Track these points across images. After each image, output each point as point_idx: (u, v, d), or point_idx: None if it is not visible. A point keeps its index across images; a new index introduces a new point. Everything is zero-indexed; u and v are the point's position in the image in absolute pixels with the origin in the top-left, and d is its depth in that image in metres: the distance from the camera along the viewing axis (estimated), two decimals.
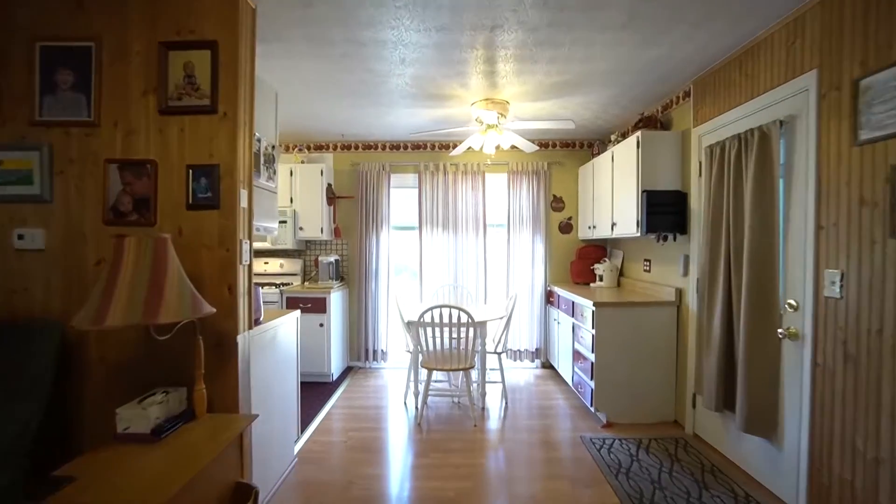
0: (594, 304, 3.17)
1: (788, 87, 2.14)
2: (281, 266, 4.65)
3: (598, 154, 4.23)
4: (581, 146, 4.70)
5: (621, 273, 4.28)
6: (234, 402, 1.92)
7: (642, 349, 3.20)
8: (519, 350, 4.69)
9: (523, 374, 4.54)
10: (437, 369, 3.24)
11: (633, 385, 3.20)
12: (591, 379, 3.23)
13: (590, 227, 4.26)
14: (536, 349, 4.67)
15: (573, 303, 3.69)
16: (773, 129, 2.19)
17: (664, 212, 3.10)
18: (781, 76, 2.19)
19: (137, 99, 1.91)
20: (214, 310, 1.70)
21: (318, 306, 4.12)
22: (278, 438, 2.45)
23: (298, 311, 2.82)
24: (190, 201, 1.91)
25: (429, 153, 4.73)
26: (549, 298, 4.57)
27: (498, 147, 3.74)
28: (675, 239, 3.16)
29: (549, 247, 4.69)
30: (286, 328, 2.59)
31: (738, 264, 2.42)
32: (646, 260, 3.76)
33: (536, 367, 4.70)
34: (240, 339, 1.94)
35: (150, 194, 1.90)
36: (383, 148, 4.74)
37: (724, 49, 2.54)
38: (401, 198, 4.86)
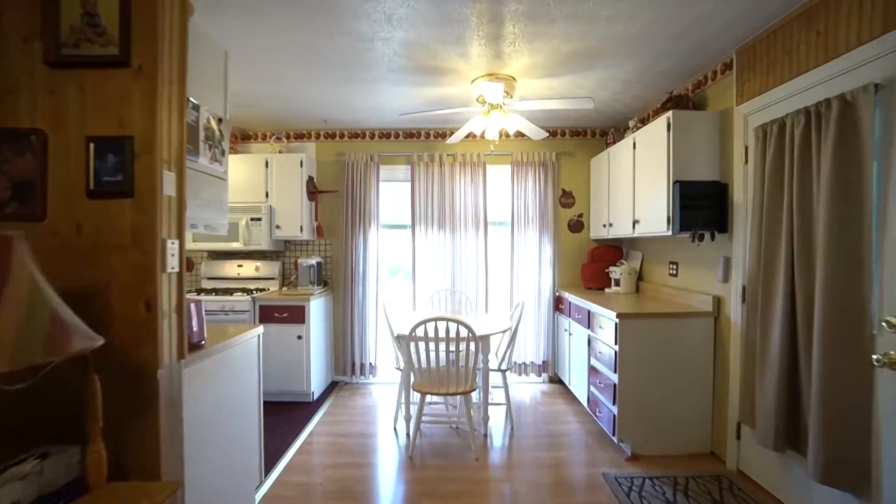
0: (617, 316, 2.68)
1: (884, 41, 1.66)
2: (256, 269, 4.13)
3: (614, 143, 3.74)
4: (593, 135, 4.21)
5: (640, 277, 3.79)
6: (155, 460, 1.41)
7: (673, 368, 2.72)
8: (524, 363, 4.19)
9: (529, 390, 4.04)
10: (433, 393, 2.74)
11: (662, 410, 2.71)
12: (614, 403, 2.74)
13: (605, 226, 3.78)
14: (543, 362, 4.18)
15: (589, 312, 3.20)
16: (861, 97, 1.71)
17: (700, 206, 2.61)
18: (876, 27, 1.70)
19: (16, 46, 1.39)
20: (99, 341, 1.18)
21: (295, 316, 3.60)
22: (230, 491, 1.93)
23: (261, 328, 2.31)
24: (91, 186, 1.39)
25: (422, 142, 4.22)
26: (558, 305, 4.08)
27: (502, 134, 3.24)
28: (712, 238, 2.67)
29: (558, 247, 4.20)
30: (243, 350, 2.08)
31: (807, 270, 1.94)
32: (672, 263, 3.27)
33: (543, 382, 4.21)
34: (162, 373, 1.43)
35: (36, 177, 1.39)
36: (371, 136, 4.23)
37: (787, 2, 2.06)
38: (391, 192, 4.35)
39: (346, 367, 4.18)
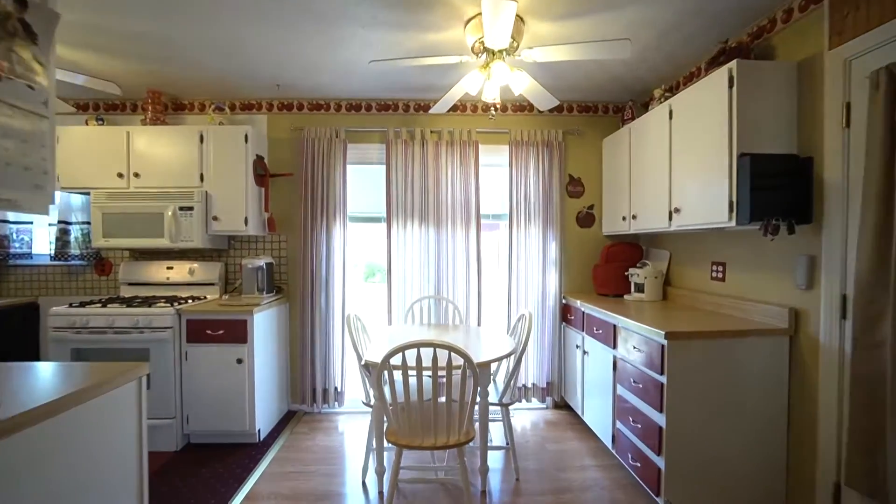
0: (667, 335, 1.97)
1: None
2: (191, 272, 3.27)
3: (632, 119, 3.06)
4: (606, 111, 3.52)
5: (667, 281, 3.11)
6: None
7: (735, 403, 2.03)
8: (524, 385, 3.47)
9: (531, 418, 3.32)
10: (413, 447, 1.96)
11: (721, 460, 2.02)
12: (659, 452, 2.03)
13: (624, 219, 3.08)
14: (548, 384, 3.46)
15: (615, 327, 2.49)
16: None
17: (778, 186, 1.93)
18: None
19: None
20: None
21: (234, 333, 2.77)
22: None
23: (143, 369, 1.48)
24: None
25: (400, 115, 3.45)
26: (566, 316, 3.37)
27: (498, 108, 2.48)
28: (790, 231, 1.99)
29: (565, 245, 3.49)
30: (105, 408, 1.27)
31: None
32: (716, 264, 2.60)
33: (547, 408, 3.49)
34: None
35: None
36: (337, 107, 3.43)
37: None
38: (362, 177, 3.56)
39: (306, 393, 3.37)
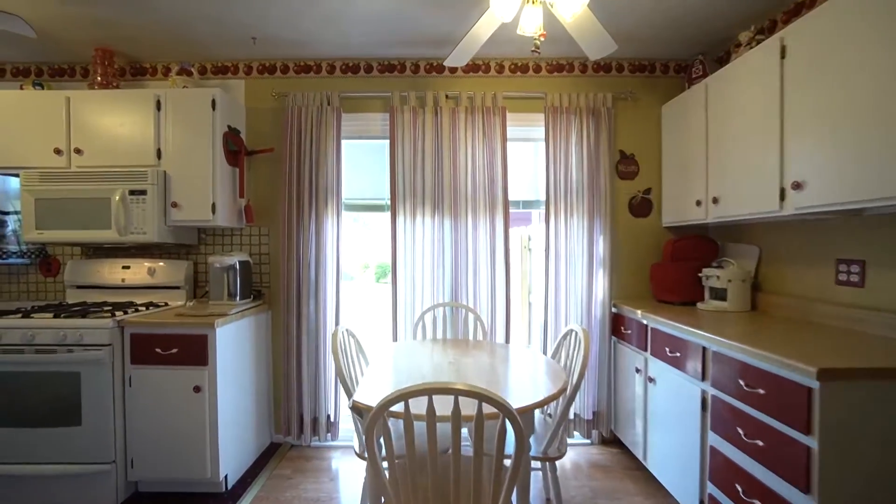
0: (819, 375, 1.25)
1: None
2: (151, 273, 2.65)
3: (703, 77, 2.35)
4: (665, 70, 2.79)
5: (756, 286, 2.37)
6: None
7: None
8: None
9: (573, 456, 2.60)
10: None
11: None
12: None
13: (699, 203, 2.35)
14: (594, 414, 2.74)
15: (706, 351, 1.78)
16: None
17: None
18: None
19: None
20: None
21: (191, 353, 2.13)
22: None
23: None
24: None
25: (407, 77, 2.77)
26: (618, 328, 2.65)
27: (542, 39, 1.76)
28: None
29: (615, 239, 2.77)
30: None
31: None
32: (847, 262, 1.85)
33: (593, 444, 2.77)
34: None
35: None
36: (330, 69, 2.77)
37: None
38: (360, 154, 2.90)
39: (291, 423, 2.71)
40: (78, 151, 2.42)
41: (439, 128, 2.67)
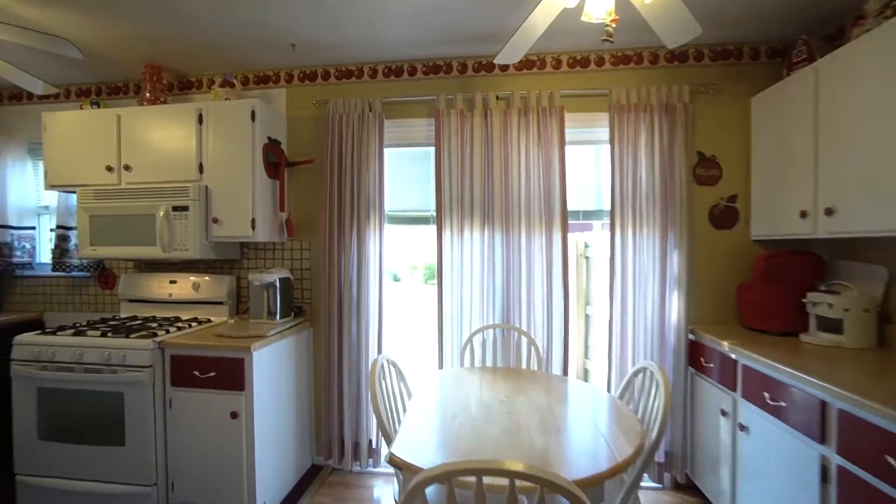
0: None
1: None
2: (196, 288, 2.63)
3: (807, 62, 1.93)
4: (755, 56, 2.37)
5: (883, 316, 1.92)
6: None
7: None
8: None
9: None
10: None
11: None
12: None
13: (804, 215, 1.94)
14: (666, 454, 2.38)
15: (826, 407, 1.41)
16: None
17: None
18: None
19: None
20: None
21: (228, 376, 2.04)
22: None
23: None
24: None
25: (454, 78, 2.55)
26: (697, 359, 2.28)
27: (615, 23, 1.46)
28: None
29: (692, 254, 2.39)
30: None
31: None
32: None
33: (664, 489, 2.41)
34: None
35: None
36: (372, 73, 2.61)
37: None
38: (403, 163, 2.73)
39: (332, 445, 2.59)
40: (127, 168, 2.42)
41: (489, 132, 2.43)
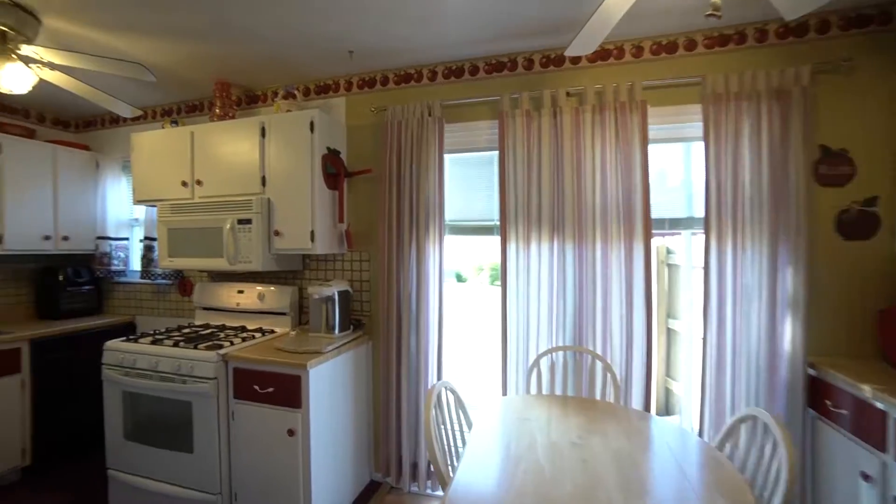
0: None
1: None
2: (261, 298, 2.68)
3: None
4: None
5: None
6: None
7: None
8: None
9: None
10: None
11: None
12: None
13: None
14: None
15: None
16: None
17: None
18: None
19: None
20: None
21: (285, 393, 2.02)
22: None
23: None
24: None
25: (519, 76, 2.34)
26: (821, 401, 1.86)
27: (716, 2, 1.17)
28: None
29: (812, 269, 1.96)
30: None
31: None
32: None
33: None
34: None
35: None
36: (431, 76, 2.48)
37: None
38: (464, 169, 2.57)
39: (390, 463, 2.50)
40: (199, 183, 2.52)
41: (559, 132, 2.18)
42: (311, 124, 2.29)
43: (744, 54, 2.04)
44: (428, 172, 2.38)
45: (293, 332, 2.53)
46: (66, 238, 3.03)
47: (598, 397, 2.09)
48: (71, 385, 2.82)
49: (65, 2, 1.84)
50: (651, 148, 2.08)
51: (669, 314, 2.75)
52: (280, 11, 1.91)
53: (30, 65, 1.97)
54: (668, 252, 2.78)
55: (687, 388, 2.36)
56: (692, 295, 2.35)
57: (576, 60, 2.23)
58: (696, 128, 2.08)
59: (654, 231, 2.11)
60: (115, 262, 3.20)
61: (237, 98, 2.80)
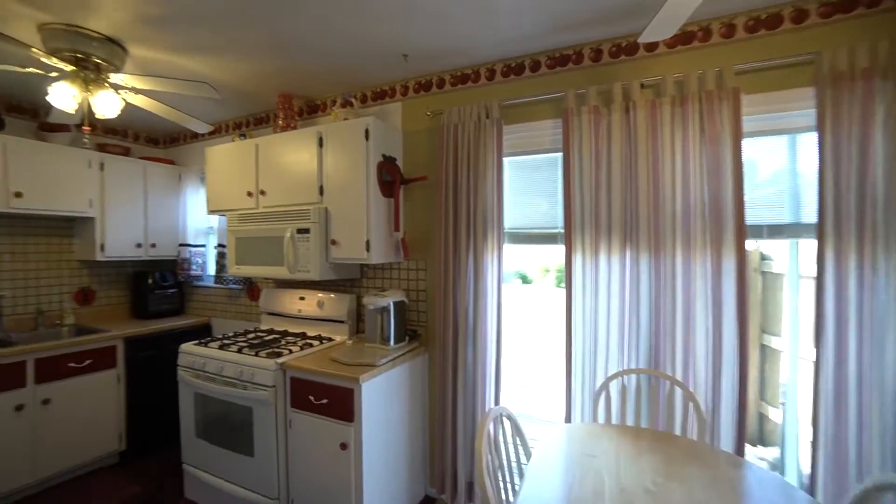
0: None
1: None
2: (320, 305, 2.71)
3: None
4: None
5: None
6: None
7: None
8: None
9: None
10: None
11: None
12: None
13: None
14: None
15: None
16: None
17: None
18: None
19: None
20: None
21: (339, 406, 1.99)
22: None
23: None
24: None
25: (586, 68, 2.13)
26: None
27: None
28: None
29: None
30: None
31: None
32: None
33: None
34: None
35: None
36: (489, 75, 2.34)
37: None
38: (525, 174, 2.39)
39: (445, 479, 2.40)
40: (263, 193, 2.60)
41: (632, 130, 1.94)
42: (366, 132, 2.26)
43: (875, 21, 1.66)
44: (486, 177, 2.25)
45: (349, 342, 2.52)
46: (153, 245, 3.31)
47: (677, 431, 1.83)
48: (157, 380, 3.06)
49: (143, 30, 1.96)
50: (746, 143, 1.77)
51: (763, 328, 2.36)
52: (333, 20, 1.88)
53: (118, 91, 2.14)
54: (763, 258, 2.39)
55: (791, 418, 1.99)
56: (795, 309, 1.98)
57: (652, 47, 1.98)
58: (805, 116, 1.74)
59: (750, 239, 1.80)
60: (194, 267, 3.44)
61: (299, 109, 2.87)
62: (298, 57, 2.24)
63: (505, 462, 1.56)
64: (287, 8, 1.79)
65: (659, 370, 1.90)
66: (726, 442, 1.80)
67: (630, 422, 1.92)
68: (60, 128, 2.84)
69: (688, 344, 1.87)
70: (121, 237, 3.13)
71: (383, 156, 2.36)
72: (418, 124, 2.52)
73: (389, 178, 2.38)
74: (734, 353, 1.80)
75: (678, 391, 1.85)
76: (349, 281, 2.77)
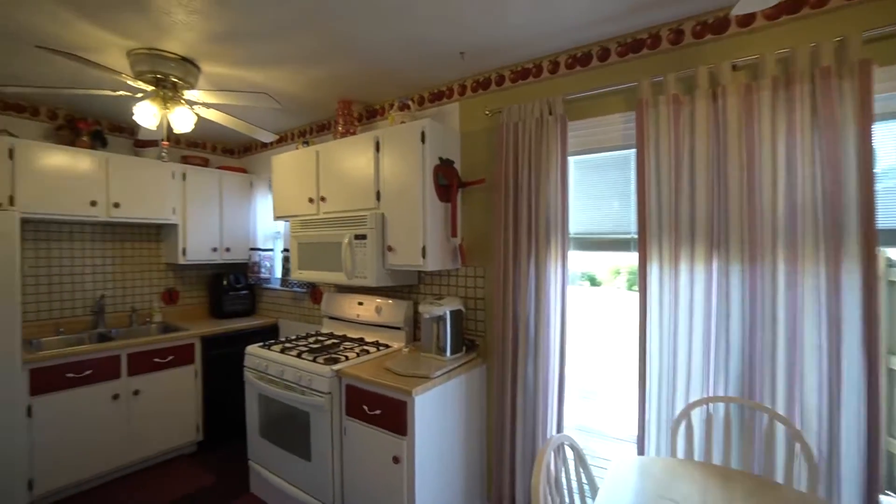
0: None
1: None
2: (378, 311, 2.69)
3: None
4: None
5: None
6: None
7: None
8: None
9: None
10: None
11: None
12: None
13: None
14: None
15: None
16: None
17: None
18: None
19: None
20: None
21: (392, 418, 1.93)
22: None
23: None
24: None
25: (662, 53, 1.88)
26: None
27: None
28: None
29: None
30: None
31: None
32: None
33: None
34: None
35: None
36: (552, 68, 2.16)
37: None
38: (592, 173, 2.18)
39: (502, 496, 2.26)
40: (323, 199, 2.64)
41: (720, 120, 1.68)
42: (422, 134, 2.19)
43: None
44: (548, 178, 2.08)
45: (406, 349, 2.47)
46: (228, 249, 3.51)
47: (778, 477, 1.54)
48: (229, 377, 3.23)
49: (211, 47, 2.04)
50: (876, 127, 1.45)
51: (890, 348, 1.95)
52: (387, 23, 1.83)
53: (192, 106, 2.27)
54: (891, 265, 1.97)
55: None
56: None
57: (746, 21, 1.69)
58: None
59: (882, 246, 1.47)
60: (263, 270, 3.61)
61: (358, 114, 2.88)
62: (353, 63, 2.22)
63: (567, 500, 1.40)
64: (344, 11, 1.76)
65: (755, 400, 1.62)
66: (851, 491, 1.48)
67: (717, 459, 1.66)
68: (151, 143, 3.11)
69: (793, 371, 1.57)
70: (199, 242, 3.36)
71: (440, 158, 2.27)
72: (476, 124, 2.41)
73: (446, 181, 2.29)
74: (860, 382, 1.47)
75: (779, 427, 1.56)
76: (407, 287, 2.72)
